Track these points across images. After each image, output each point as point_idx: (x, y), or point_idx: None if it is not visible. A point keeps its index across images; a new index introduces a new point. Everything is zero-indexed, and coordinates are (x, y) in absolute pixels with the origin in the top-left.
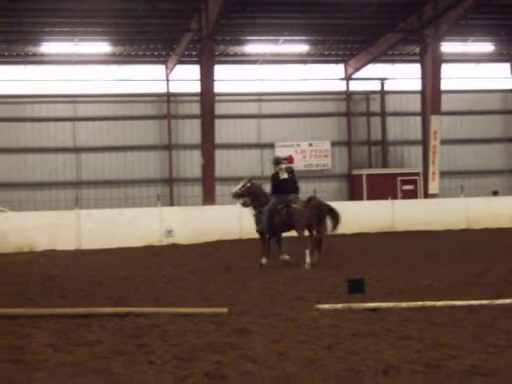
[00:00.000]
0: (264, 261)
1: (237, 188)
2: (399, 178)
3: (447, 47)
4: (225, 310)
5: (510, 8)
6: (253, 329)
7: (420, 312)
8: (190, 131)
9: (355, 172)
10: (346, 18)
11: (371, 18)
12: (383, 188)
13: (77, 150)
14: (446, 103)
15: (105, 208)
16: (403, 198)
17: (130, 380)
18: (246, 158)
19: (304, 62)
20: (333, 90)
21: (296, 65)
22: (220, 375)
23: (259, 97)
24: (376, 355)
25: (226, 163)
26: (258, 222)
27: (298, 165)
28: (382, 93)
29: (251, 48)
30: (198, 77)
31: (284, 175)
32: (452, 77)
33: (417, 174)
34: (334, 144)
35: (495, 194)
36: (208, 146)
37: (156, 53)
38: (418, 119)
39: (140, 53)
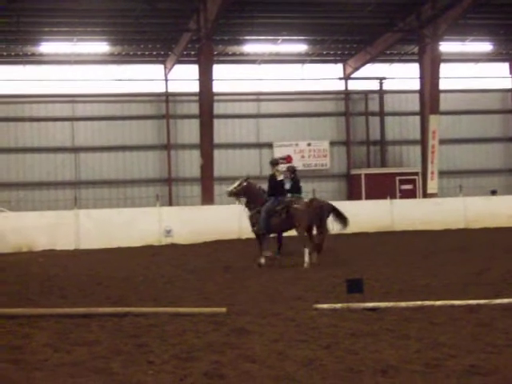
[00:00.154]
0: (262, 260)
1: (232, 186)
2: (398, 178)
3: (446, 47)
4: (224, 309)
5: (508, 7)
6: (252, 328)
7: (419, 312)
8: (189, 131)
9: (354, 172)
10: (344, 17)
11: (370, 17)
12: (382, 188)
13: (75, 149)
14: (445, 103)
15: (104, 208)
16: (402, 197)
17: (129, 380)
18: (244, 158)
19: (302, 61)
20: (331, 89)
21: (294, 64)
22: (219, 375)
23: (258, 96)
24: (375, 355)
25: (225, 163)
26: (253, 222)
27: (297, 165)
28: (381, 92)
29: (250, 48)
30: (197, 76)
31: (280, 176)
32: (450, 76)
33: (415, 174)
34: (332, 144)
35: (494, 193)
36: (207, 145)
37: (155, 52)
38: (417, 119)
39: (139, 52)
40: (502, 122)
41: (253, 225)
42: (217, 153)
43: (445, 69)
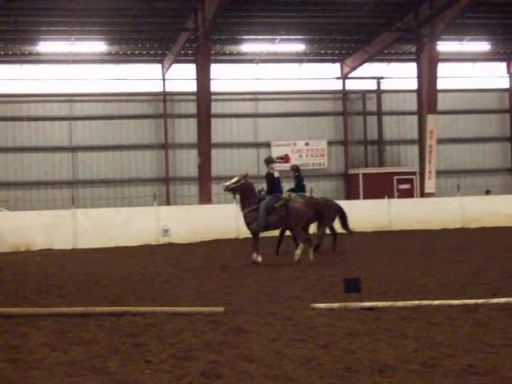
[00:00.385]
0: (259, 259)
1: (230, 182)
2: (395, 177)
3: (443, 46)
4: (221, 309)
5: (506, 7)
6: (249, 328)
7: (416, 311)
8: (187, 130)
9: (352, 171)
10: (342, 17)
11: (367, 17)
12: (380, 187)
13: (73, 149)
14: (443, 102)
15: (101, 207)
16: (399, 197)
17: (126, 379)
18: (242, 157)
19: (300, 61)
20: (329, 89)
21: (292, 64)
22: (216, 374)
23: (255, 96)
24: (372, 354)
25: (223, 162)
26: (248, 220)
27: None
28: (379, 92)
29: (247, 47)
30: (195, 76)
31: (276, 174)
32: (448, 76)
33: (413, 173)
34: (330, 143)
35: (488, 193)
36: (204, 145)
37: (152, 52)
38: (415, 118)
39: (136, 52)
40: (499, 122)
41: (248, 223)
42: (214, 152)
43: (442, 68)
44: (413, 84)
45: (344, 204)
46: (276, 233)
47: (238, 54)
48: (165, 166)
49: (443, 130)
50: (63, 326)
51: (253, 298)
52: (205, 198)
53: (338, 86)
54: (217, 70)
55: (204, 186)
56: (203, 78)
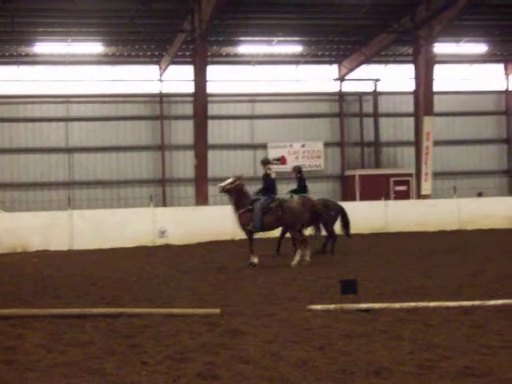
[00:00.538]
0: (256, 260)
1: (226, 183)
2: (392, 179)
3: (440, 48)
4: (217, 310)
5: (503, 8)
6: (246, 329)
7: (413, 313)
8: (183, 132)
9: (348, 173)
10: (339, 18)
11: (364, 18)
12: (376, 189)
13: (69, 150)
14: (439, 104)
15: (97, 208)
16: (396, 198)
17: (122, 380)
18: (238, 159)
19: (297, 62)
20: (326, 90)
21: (289, 65)
22: (212, 376)
23: (252, 97)
24: (368, 356)
25: (219, 164)
26: (244, 221)
27: (291, 166)
28: (375, 94)
29: (244, 49)
30: (191, 77)
31: (273, 175)
32: (445, 77)
33: (409, 175)
34: (326, 145)
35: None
36: (201, 146)
37: (149, 53)
38: (411, 120)
39: (133, 53)
40: (496, 124)
41: (244, 224)
42: (211, 153)
43: (439, 70)
44: (409, 86)
45: None
46: (273, 234)
47: (235, 55)
48: (161, 167)
49: (440, 131)
50: (59, 327)
51: (249, 299)
52: (201, 199)
53: (334, 87)
54: (214, 71)
55: (200, 188)
56: (200, 79)
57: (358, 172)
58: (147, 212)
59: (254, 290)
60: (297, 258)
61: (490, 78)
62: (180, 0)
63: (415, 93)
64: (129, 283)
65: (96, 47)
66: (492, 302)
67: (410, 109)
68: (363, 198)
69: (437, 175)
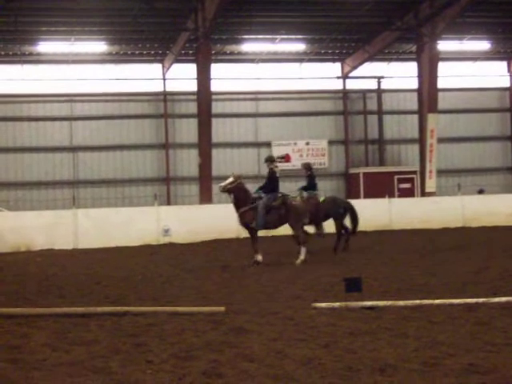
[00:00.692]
0: (260, 258)
1: (226, 182)
2: (396, 177)
3: (444, 45)
4: (222, 308)
5: (506, 5)
6: (250, 327)
7: (417, 310)
8: (187, 130)
9: (352, 170)
10: (342, 16)
11: (368, 16)
12: (380, 186)
13: (74, 149)
14: (443, 101)
15: (102, 207)
16: (400, 196)
17: (127, 379)
18: (242, 157)
19: (301, 60)
20: (329, 88)
21: (293, 63)
22: (217, 374)
23: (256, 95)
24: (373, 354)
25: (223, 162)
26: (246, 220)
27: (295, 163)
28: (379, 91)
29: (248, 47)
30: (195, 75)
31: (278, 173)
32: (449, 75)
33: (414, 173)
34: (330, 142)
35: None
36: (205, 144)
37: (152, 52)
38: (415, 117)
39: (136, 52)
40: (499, 121)
41: (246, 222)
42: (215, 152)
43: (443, 67)
44: (413, 83)
45: None
46: (277, 232)
47: (239, 53)
48: (165, 165)
49: (444, 129)
50: (64, 326)
51: (253, 297)
52: (205, 197)
53: (338, 85)
54: (217, 69)
55: (204, 186)
56: (204, 77)
57: (362, 170)
58: (151, 211)
59: (259, 288)
60: (301, 256)
61: (494, 75)
62: None
63: (419, 90)
64: (133, 282)
65: (99, 46)
66: (496, 300)
67: (414, 106)
68: (367, 195)
69: (441, 172)
